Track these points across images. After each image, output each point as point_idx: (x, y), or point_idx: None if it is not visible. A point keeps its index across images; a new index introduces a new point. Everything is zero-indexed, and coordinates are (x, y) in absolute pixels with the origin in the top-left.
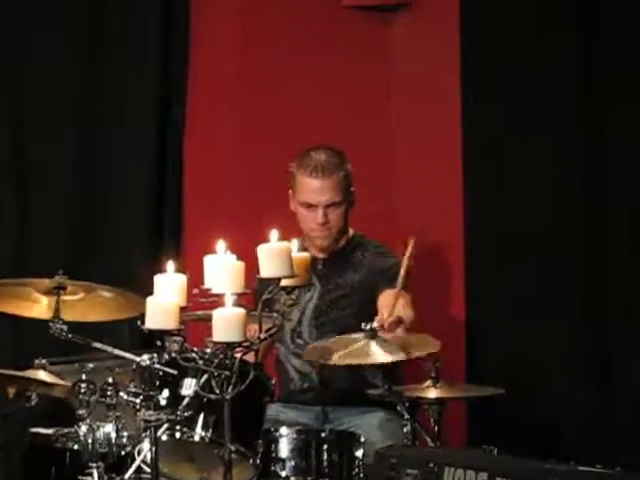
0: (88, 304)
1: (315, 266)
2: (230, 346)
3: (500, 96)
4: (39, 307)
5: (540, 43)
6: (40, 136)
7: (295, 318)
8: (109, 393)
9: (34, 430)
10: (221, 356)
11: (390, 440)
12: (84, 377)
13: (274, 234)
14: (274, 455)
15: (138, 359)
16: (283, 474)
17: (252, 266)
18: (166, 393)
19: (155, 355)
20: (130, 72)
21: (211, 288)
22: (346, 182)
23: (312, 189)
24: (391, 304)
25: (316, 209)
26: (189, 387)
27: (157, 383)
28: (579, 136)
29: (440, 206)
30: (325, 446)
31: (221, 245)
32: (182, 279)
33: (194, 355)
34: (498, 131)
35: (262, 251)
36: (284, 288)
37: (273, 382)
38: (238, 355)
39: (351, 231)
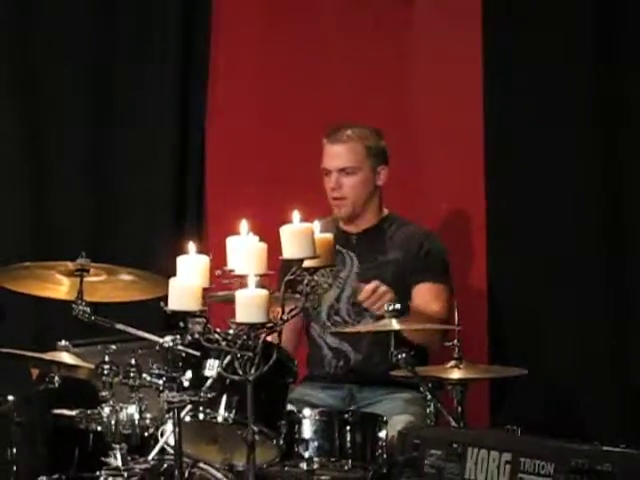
0: (111, 286)
1: (348, 241)
2: (253, 327)
3: (523, 72)
4: (62, 289)
5: (563, 21)
6: (58, 117)
7: (333, 295)
8: (132, 375)
9: (57, 412)
10: (244, 337)
11: (414, 421)
12: (107, 359)
13: (296, 215)
14: (297, 436)
15: (161, 340)
16: (306, 455)
17: (275, 247)
18: (189, 374)
19: (178, 336)
20: (151, 54)
21: (234, 269)
22: (367, 154)
23: (327, 154)
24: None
25: (330, 174)
26: (212, 368)
27: (180, 364)
28: (599, 110)
29: (462, 183)
30: (348, 427)
31: (244, 226)
32: (205, 260)
33: (217, 336)
34: (520, 107)
35: (285, 232)
36: (307, 269)
37: (296, 363)
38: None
39: (386, 211)
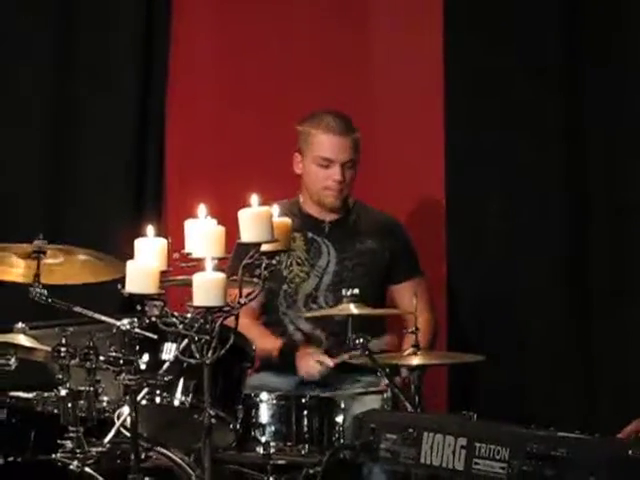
0: (68, 268)
1: (321, 229)
2: (210, 310)
3: (484, 60)
4: (18, 271)
5: (525, 16)
6: (14, 95)
7: (312, 284)
8: (89, 357)
9: (14, 394)
10: (201, 320)
11: (371, 406)
12: (64, 341)
13: (255, 199)
14: (254, 420)
15: (118, 323)
16: (263, 439)
17: (233, 231)
18: (146, 357)
19: (135, 319)
20: (110, 36)
21: (192, 252)
22: (358, 144)
23: (332, 145)
24: None
25: (334, 166)
26: (169, 352)
27: (137, 347)
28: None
29: (422, 171)
30: (305, 412)
31: (202, 209)
32: (163, 243)
33: (174, 319)
34: (481, 95)
35: (243, 216)
36: (265, 253)
37: (254, 347)
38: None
39: (352, 198)
